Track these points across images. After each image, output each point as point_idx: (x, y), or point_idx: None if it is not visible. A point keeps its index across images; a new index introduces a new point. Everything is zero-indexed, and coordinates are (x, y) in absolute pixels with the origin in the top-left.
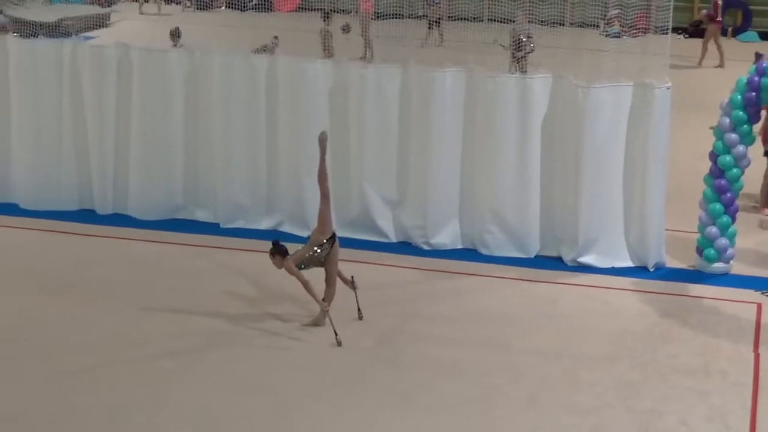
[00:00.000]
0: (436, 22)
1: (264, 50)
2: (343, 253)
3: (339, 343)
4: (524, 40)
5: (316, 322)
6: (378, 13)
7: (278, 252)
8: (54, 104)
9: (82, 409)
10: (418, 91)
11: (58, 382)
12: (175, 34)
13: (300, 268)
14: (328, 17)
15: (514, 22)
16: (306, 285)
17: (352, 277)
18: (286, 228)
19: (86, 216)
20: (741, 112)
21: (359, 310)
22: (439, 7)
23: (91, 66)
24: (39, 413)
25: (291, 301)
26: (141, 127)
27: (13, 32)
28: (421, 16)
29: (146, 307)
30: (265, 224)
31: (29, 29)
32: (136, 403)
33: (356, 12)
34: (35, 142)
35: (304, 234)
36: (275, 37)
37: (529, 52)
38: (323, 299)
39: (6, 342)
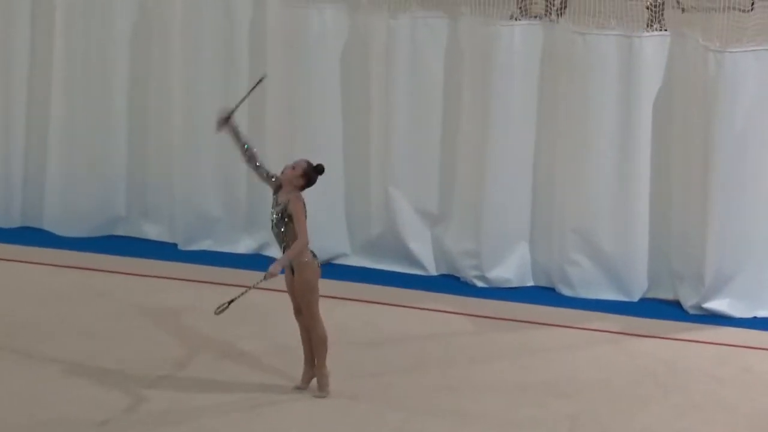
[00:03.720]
0: None
1: None
2: (357, 289)
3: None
4: None
5: (321, 388)
6: None
7: (308, 171)
8: None
9: None
10: (472, 52)
11: None
12: None
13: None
14: None
15: None
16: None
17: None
18: (275, 251)
19: None
20: None
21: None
22: None
23: None
24: None
25: (279, 358)
26: (65, 100)
27: None
28: None
29: (65, 363)
30: (243, 246)
31: None
32: None
33: None
34: None
35: None
36: None
37: None
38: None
39: None
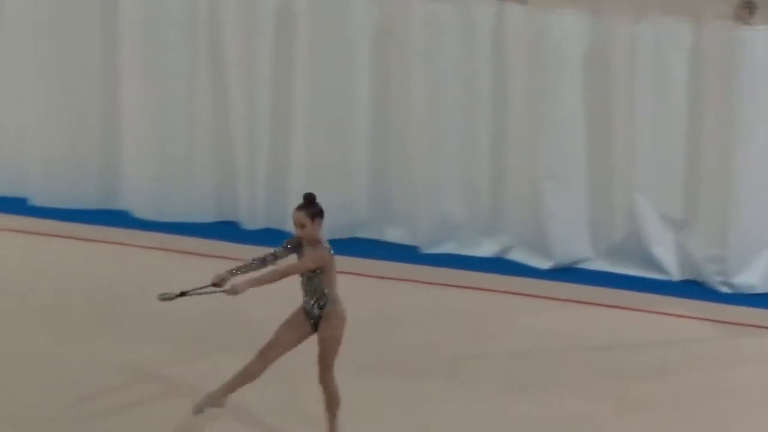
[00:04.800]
0: None
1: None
2: (599, 293)
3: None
4: None
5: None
6: None
7: (315, 211)
8: (187, 70)
9: None
10: (716, 57)
11: None
12: None
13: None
14: None
15: None
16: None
17: None
18: (517, 254)
19: (227, 231)
20: None
21: None
22: None
23: (235, 17)
24: None
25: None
26: (306, 105)
27: None
28: None
29: (308, 372)
30: (486, 249)
31: None
32: None
33: None
34: (155, 127)
35: (544, 265)
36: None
37: None
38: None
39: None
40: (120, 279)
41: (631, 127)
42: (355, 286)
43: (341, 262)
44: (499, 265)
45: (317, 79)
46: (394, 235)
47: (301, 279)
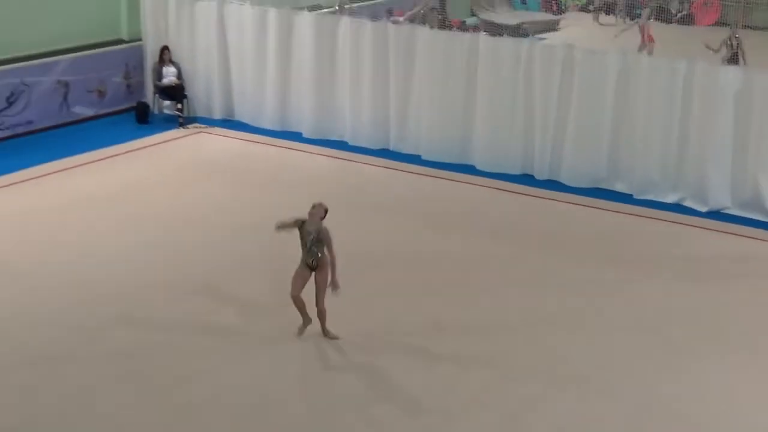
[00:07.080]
0: None
1: None
2: (733, 228)
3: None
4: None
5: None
6: None
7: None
8: (510, 88)
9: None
10: None
11: (486, 307)
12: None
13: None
14: None
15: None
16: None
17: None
18: (688, 203)
19: (526, 179)
20: None
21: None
22: None
23: (542, 61)
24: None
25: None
26: (578, 111)
27: (484, 31)
28: None
29: (566, 255)
30: (670, 198)
31: (496, 29)
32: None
33: None
34: (493, 117)
35: (702, 209)
36: None
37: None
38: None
39: (447, 269)
40: (472, 205)
41: None
42: (595, 217)
43: (588, 200)
44: (676, 208)
45: (584, 96)
46: (619, 186)
47: (304, 248)
